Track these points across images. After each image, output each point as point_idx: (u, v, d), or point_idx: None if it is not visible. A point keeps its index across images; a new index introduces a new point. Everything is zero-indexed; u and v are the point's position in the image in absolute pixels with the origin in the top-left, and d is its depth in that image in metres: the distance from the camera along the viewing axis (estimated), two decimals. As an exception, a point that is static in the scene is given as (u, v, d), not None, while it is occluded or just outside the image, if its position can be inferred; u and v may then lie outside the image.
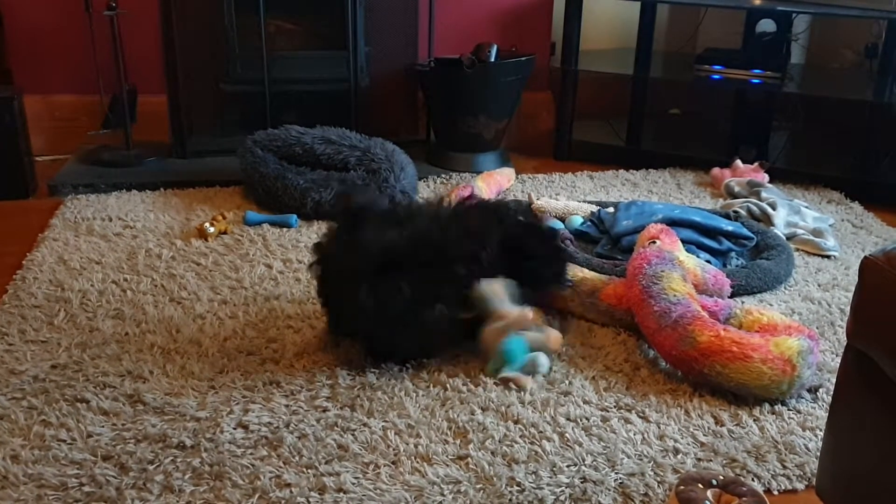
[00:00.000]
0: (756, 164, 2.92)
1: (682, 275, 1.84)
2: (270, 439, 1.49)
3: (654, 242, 1.95)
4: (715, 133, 3.50)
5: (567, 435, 1.52)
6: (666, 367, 1.75)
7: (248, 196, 2.69)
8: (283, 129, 2.70)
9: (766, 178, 2.84)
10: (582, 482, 1.40)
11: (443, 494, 1.36)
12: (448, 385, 1.66)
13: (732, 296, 2.04)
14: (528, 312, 1.72)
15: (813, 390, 1.67)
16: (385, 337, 1.69)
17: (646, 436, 1.53)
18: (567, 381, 1.69)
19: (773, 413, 1.60)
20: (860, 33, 3.42)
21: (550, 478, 1.41)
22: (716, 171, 2.95)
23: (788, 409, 1.62)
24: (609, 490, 1.39)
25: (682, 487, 1.33)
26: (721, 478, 1.35)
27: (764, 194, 2.65)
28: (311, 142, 2.62)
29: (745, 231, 2.30)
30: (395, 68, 3.19)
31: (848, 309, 1.20)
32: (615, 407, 1.61)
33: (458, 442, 1.50)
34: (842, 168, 3.05)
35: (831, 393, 1.27)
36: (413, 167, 2.66)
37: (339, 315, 1.78)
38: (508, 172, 2.92)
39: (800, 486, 1.43)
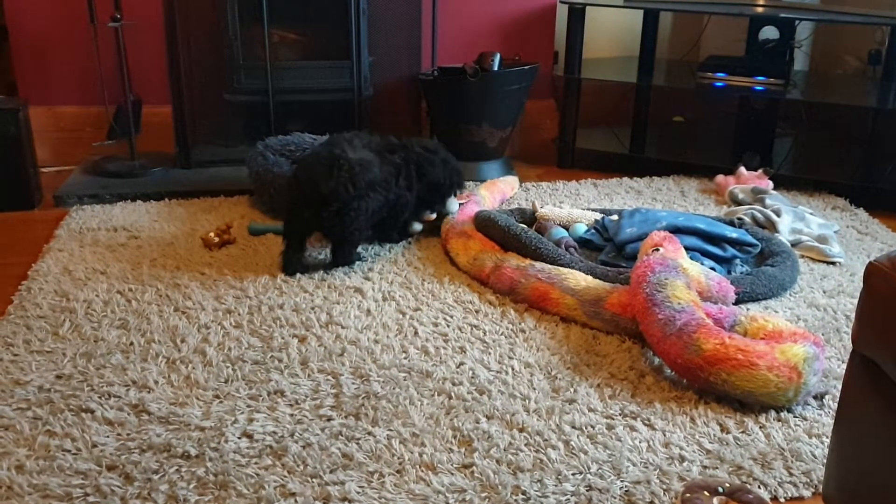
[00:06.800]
0: (760, 170, 2.92)
1: (686, 282, 1.84)
2: (275, 448, 1.49)
3: (658, 250, 1.94)
4: (718, 140, 3.51)
5: (572, 443, 1.52)
6: (671, 374, 1.74)
7: (254, 205, 2.69)
8: (294, 135, 2.74)
9: (771, 184, 2.83)
10: (587, 490, 1.40)
11: (448, 503, 1.36)
12: (452, 393, 1.66)
13: (737, 303, 2.04)
14: None
15: (819, 397, 1.67)
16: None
17: (651, 443, 1.52)
18: (572, 389, 1.69)
19: (778, 420, 1.60)
20: (863, 40, 3.43)
21: (556, 486, 1.41)
22: (720, 178, 2.95)
23: (794, 416, 1.61)
24: (614, 498, 1.39)
25: (688, 495, 1.33)
26: (727, 485, 1.34)
27: (768, 201, 2.65)
28: None
29: (749, 238, 2.30)
30: (398, 78, 3.20)
31: (853, 315, 1.20)
32: (620, 415, 1.61)
33: (462, 450, 1.50)
34: (846, 174, 3.05)
35: (837, 400, 1.26)
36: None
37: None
38: (512, 181, 2.92)
39: (806, 493, 1.42)
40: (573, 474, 1.44)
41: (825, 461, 1.30)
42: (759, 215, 2.55)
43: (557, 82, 3.47)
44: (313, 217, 2.16)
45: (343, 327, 1.92)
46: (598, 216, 2.49)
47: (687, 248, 2.08)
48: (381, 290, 2.12)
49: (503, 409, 1.61)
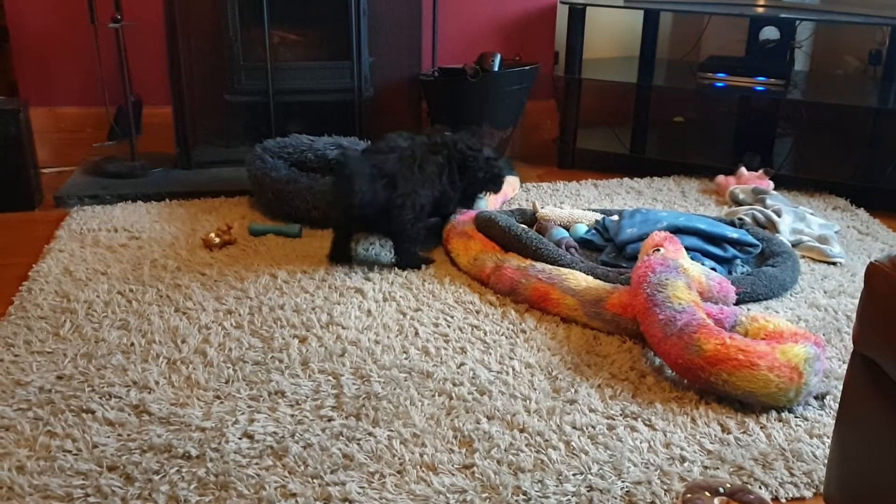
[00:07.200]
0: (760, 171, 2.92)
1: (687, 283, 1.84)
2: (276, 449, 1.49)
3: (659, 250, 1.94)
4: (719, 140, 3.51)
5: (573, 443, 1.52)
6: (672, 374, 1.74)
7: (254, 206, 2.69)
8: (293, 137, 2.74)
9: (771, 185, 2.83)
10: (588, 491, 1.40)
11: (449, 504, 1.36)
12: (453, 394, 1.66)
13: (738, 303, 2.04)
14: None
15: (820, 397, 1.67)
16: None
17: (652, 444, 1.52)
18: (573, 390, 1.69)
19: (779, 420, 1.60)
20: (864, 40, 3.43)
21: (556, 486, 1.41)
22: (720, 178, 2.95)
23: (795, 417, 1.61)
24: (615, 498, 1.39)
25: (689, 496, 1.33)
26: (728, 486, 1.34)
27: (769, 201, 2.65)
28: (322, 147, 2.67)
29: (750, 238, 2.30)
30: (398, 78, 3.20)
31: (854, 315, 1.20)
32: (621, 415, 1.61)
33: (463, 451, 1.50)
34: (847, 174, 3.05)
35: (838, 400, 1.26)
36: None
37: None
38: (513, 181, 2.92)
39: (808, 493, 1.42)
40: (574, 475, 1.44)
41: (826, 461, 1.30)
42: (759, 215, 2.55)
43: (558, 83, 3.47)
44: (354, 219, 2.23)
45: (344, 328, 1.92)
46: (599, 216, 2.49)
47: (687, 249, 2.08)
48: (382, 290, 2.12)
49: (504, 410, 1.61)
